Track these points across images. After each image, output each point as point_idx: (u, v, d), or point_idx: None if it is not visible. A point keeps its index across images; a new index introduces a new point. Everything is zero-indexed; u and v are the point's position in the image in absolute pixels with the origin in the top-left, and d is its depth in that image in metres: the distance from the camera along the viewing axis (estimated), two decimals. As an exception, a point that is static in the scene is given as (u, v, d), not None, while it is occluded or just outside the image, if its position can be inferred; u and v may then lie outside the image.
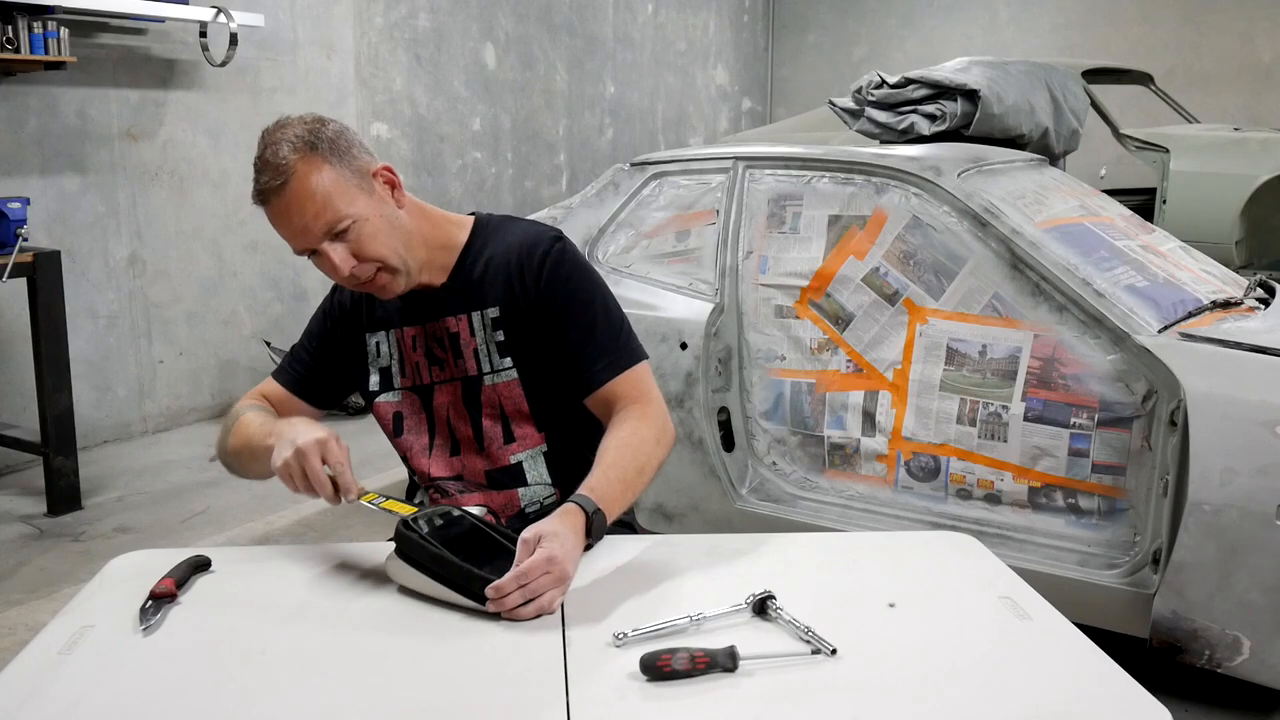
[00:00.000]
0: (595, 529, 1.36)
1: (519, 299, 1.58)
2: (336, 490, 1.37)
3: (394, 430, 1.70)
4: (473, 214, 1.69)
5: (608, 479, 1.43)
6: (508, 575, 1.24)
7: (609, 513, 1.39)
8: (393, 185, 1.54)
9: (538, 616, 1.25)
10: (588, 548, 1.37)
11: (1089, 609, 2.27)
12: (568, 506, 1.37)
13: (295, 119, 1.49)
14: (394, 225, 1.51)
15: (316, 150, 1.45)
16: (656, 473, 1.51)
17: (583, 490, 1.40)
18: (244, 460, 1.58)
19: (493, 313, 1.59)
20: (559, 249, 1.59)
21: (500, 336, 1.59)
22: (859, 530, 2.60)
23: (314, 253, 1.48)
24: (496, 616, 1.25)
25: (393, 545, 1.32)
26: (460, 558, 1.27)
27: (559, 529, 1.30)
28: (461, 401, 1.63)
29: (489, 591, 1.23)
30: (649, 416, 1.53)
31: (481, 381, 1.61)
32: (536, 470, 1.63)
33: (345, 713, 1.08)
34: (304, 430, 1.41)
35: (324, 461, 1.38)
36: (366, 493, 1.40)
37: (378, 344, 1.68)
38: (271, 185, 1.43)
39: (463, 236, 1.63)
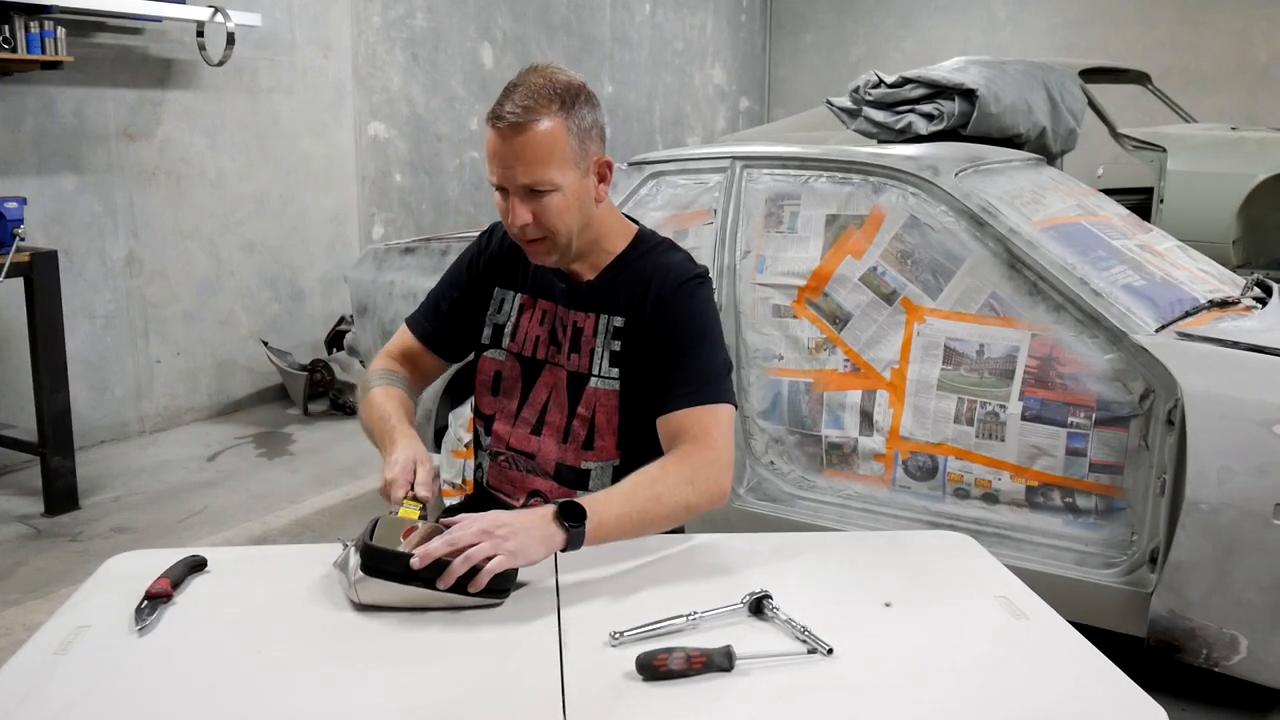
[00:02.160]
0: (568, 524, 1.34)
1: (643, 317, 1.61)
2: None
3: (492, 388, 1.74)
4: (634, 222, 1.73)
5: (609, 496, 1.42)
6: (437, 540, 1.27)
7: (598, 525, 1.37)
8: (602, 179, 1.59)
9: (492, 588, 1.27)
10: (571, 547, 1.35)
11: (1086, 608, 2.27)
12: (545, 506, 1.37)
13: (568, 72, 1.54)
14: (582, 209, 1.56)
15: (569, 114, 1.50)
16: (685, 514, 1.47)
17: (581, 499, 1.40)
18: (373, 440, 1.64)
19: (618, 321, 1.63)
20: (695, 284, 1.62)
21: (616, 346, 1.63)
22: (856, 530, 2.60)
23: (503, 190, 1.53)
24: (484, 608, 1.27)
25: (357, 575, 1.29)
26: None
27: (507, 514, 1.34)
28: (565, 391, 1.67)
29: (414, 560, 1.25)
30: (691, 458, 1.49)
31: (589, 381, 1.64)
32: (602, 482, 1.64)
33: (341, 713, 1.08)
34: (401, 451, 1.50)
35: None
36: (410, 502, 1.43)
37: (503, 300, 1.74)
38: (514, 116, 1.47)
39: (621, 244, 1.67)
